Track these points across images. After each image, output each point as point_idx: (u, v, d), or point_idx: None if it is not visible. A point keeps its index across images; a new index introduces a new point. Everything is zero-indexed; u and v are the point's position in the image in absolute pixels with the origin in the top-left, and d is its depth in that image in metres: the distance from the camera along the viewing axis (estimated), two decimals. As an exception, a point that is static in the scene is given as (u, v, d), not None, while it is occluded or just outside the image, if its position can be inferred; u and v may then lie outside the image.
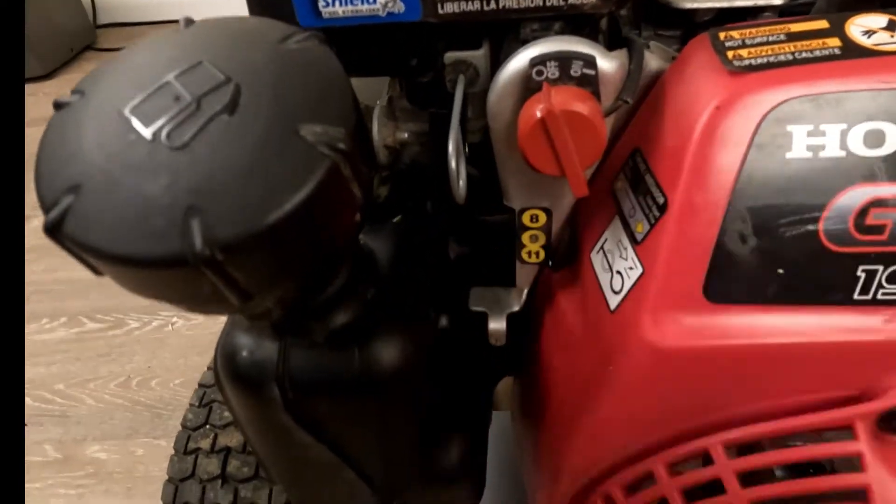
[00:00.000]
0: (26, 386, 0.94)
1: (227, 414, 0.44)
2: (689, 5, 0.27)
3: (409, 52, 0.26)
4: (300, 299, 0.23)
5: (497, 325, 0.32)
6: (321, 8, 0.24)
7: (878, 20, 0.24)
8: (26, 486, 0.80)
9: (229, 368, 0.26)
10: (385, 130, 0.30)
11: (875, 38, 0.23)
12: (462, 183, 0.23)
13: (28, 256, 1.20)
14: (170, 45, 0.20)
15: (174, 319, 1.03)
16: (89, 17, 2.27)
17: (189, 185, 0.16)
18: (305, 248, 0.18)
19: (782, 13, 0.28)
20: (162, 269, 0.17)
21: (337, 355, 0.25)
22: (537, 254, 0.31)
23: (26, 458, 0.83)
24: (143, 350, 0.98)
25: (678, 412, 0.26)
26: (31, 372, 0.96)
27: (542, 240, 0.30)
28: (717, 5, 0.27)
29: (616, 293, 0.26)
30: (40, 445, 0.85)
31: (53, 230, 0.17)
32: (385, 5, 0.23)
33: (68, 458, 0.83)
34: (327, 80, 0.18)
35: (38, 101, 1.82)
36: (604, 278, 0.27)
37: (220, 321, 0.86)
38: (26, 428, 0.87)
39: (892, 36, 0.23)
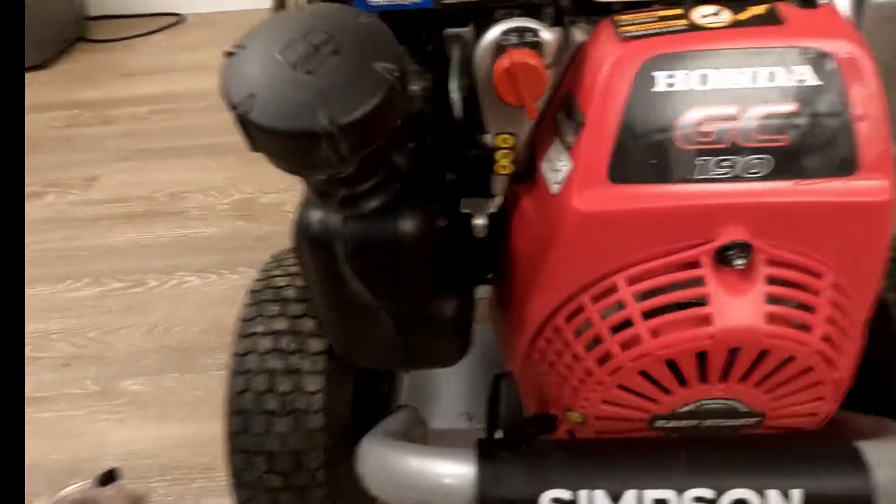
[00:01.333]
0: (59, 334, 1.05)
1: (273, 307, 0.57)
2: (602, -1, 0.42)
3: (423, 27, 0.40)
4: (361, 180, 0.37)
5: (480, 220, 0.47)
6: (368, 1, 0.38)
7: (710, 9, 0.39)
8: (71, 413, 0.92)
9: (306, 234, 0.40)
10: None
11: (706, 20, 0.38)
12: (459, 107, 0.38)
13: (44, 227, 1.32)
14: (295, 17, 0.34)
15: (189, 278, 1.15)
16: (81, 10, 2.34)
17: (318, 92, 0.30)
18: (378, 133, 0.31)
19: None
20: (301, 139, 0.31)
21: (379, 223, 0.39)
22: (507, 167, 0.45)
23: (67, 391, 0.95)
24: (164, 304, 1.10)
25: (598, 258, 0.41)
26: (62, 323, 1.07)
27: (511, 156, 0.44)
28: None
29: (556, 183, 0.41)
30: (81, 381, 0.97)
31: (242, 117, 0.31)
32: (411, -3, 0.38)
33: (106, 390, 0.95)
34: (385, 38, 0.32)
35: (34, 91, 1.90)
36: (549, 176, 0.42)
37: (229, 284, 1.01)
38: (66, 368, 0.99)
39: (716, 17, 0.38)
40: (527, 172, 0.46)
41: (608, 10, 0.43)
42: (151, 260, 1.20)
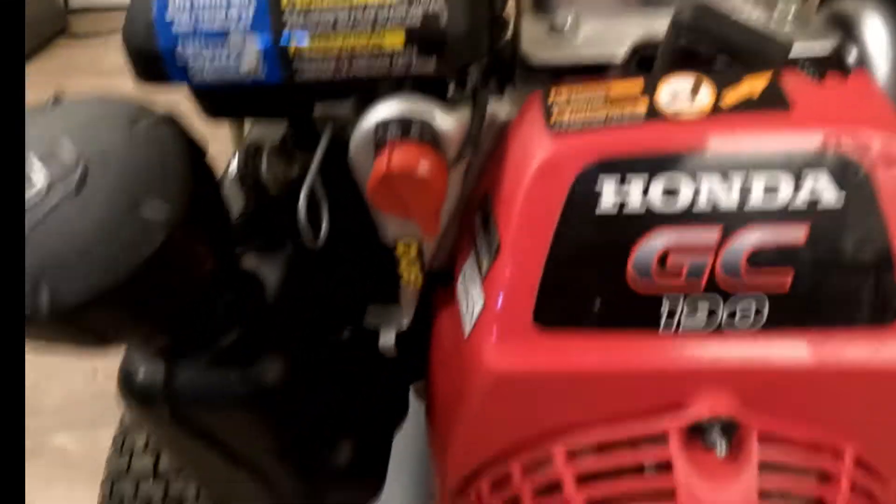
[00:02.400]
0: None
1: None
2: (539, 62, 0.30)
3: (279, 105, 0.29)
4: (170, 336, 0.26)
5: (386, 340, 0.36)
6: (191, 72, 0.26)
7: (685, 83, 0.27)
8: None
9: (126, 387, 0.29)
10: (275, 167, 0.33)
11: (676, 104, 0.26)
12: (323, 229, 0.27)
13: None
14: (37, 125, 0.23)
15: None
16: (60, 2, 2.24)
17: (38, 260, 0.19)
18: (152, 303, 0.21)
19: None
20: (29, 326, 0.20)
21: (221, 373, 0.29)
22: (416, 279, 0.34)
23: None
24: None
25: (523, 422, 0.30)
26: None
27: (418, 265, 0.33)
28: (564, 63, 0.30)
29: (469, 319, 0.30)
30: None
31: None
32: (248, 73, 0.26)
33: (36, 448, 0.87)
34: (169, 160, 0.21)
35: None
36: (463, 305, 0.31)
37: None
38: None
39: (692, 100, 0.26)
40: (449, 273, 0.35)
41: (551, 75, 0.31)
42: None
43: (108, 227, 0.19)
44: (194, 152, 0.22)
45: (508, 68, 0.31)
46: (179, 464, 0.33)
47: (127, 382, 0.30)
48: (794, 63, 0.27)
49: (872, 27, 0.31)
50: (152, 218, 0.20)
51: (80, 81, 1.85)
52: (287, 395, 0.30)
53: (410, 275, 0.33)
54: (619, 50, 0.31)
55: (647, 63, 0.31)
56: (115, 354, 0.94)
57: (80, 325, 0.20)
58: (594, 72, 0.30)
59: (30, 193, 0.20)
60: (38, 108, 0.24)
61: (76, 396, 0.93)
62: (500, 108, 0.29)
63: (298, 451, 0.32)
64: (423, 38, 0.25)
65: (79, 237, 0.19)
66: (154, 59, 0.26)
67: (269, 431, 0.31)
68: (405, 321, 0.36)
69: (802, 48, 0.30)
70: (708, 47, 0.27)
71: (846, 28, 0.32)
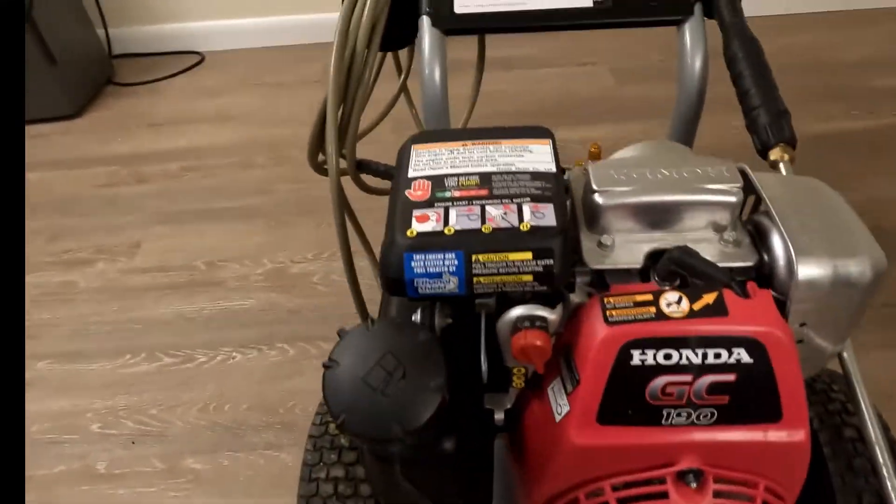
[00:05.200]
0: (125, 411, 1.20)
1: (331, 455, 0.71)
2: (594, 268, 0.55)
3: (459, 302, 0.53)
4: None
5: (499, 416, 0.61)
6: (420, 291, 0.51)
7: (674, 296, 0.52)
8: (143, 490, 1.08)
9: (371, 451, 0.54)
10: (441, 319, 0.57)
11: (670, 309, 0.51)
12: (485, 373, 0.51)
13: (100, 297, 1.46)
14: (370, 339, 0.47)
15: (234, 354, 1.29)
16: (105, 49, 2.45)
17: (390, 408, 0.43)
18: (434, 426, 0.45)
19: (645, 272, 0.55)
20: (381, 442, 0.44)
21: (429, 447, 0.53)
22: (520, 384, 0.59)
23: (138, 469, 1.10)
24: (213, 381, 1.25)
25: (587, 471, 0.55)
26: (127, 400, 1.22)
27: (522, 377, 0.58)
28: (608, 268, 0.54)
29: (559, 414, 0.55)
30: (148, 459, 1.12)
31: (341, 426, 0.44)
32: (449, 291, 0.50)
33: (171, 468, 1.11)
34: (436, 357, 0.46)
35: (74, 142, 2.03)
36: (553, 404, 0.56)
37: (268, 361, 1.19)
38: (134, 445, 1.14)
39: (678, 306, 0.51)
40: (536, 384, 0.60)
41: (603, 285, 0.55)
42: (197, 334, 1.35)
43: (421, 391, 0.43)
44: (440, 349, 0.47)
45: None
46: (378, 490, 0.57)
47: (374, 450, 0.54)
48: (733, 280, 0.52)
49: (776, 240, 0.56)
50: (435, 389, 0.44)
51: (132, 136, 2.06)
52: (457, 454, 0.55)
53: (519, 382, 0.58)
54: (639, 257, 0.55)
55: (655, 258, 0.56)
56: (218, 389, 1.17)
57: (406, 440, 0.44)
58: (625, 273, 0.55)
59: (381, 377, 0.44)
60: (362, 331, 0.49)
61: (195, 426, 1.17)
62: (574, 298, 0.54)
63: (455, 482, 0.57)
64: (542, 276, 0.50)
65: (410, 397, 0.43)
66: (401, 284, 0.51)
67: (441, 476, 0.55)
68: (508, 405, 0.61)
69: (738, 262, 0.55)
70: (686, 272, 0.52)
71: (759, 236, 0.57)
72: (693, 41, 0.92)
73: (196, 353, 1.30)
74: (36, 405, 1.23)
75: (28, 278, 1.53)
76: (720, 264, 0.54)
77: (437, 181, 0.56)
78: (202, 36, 2.54)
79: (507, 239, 0.50)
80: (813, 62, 2.14)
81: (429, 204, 0.54)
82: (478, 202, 0.54)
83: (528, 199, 0.54)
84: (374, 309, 0.96)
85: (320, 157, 0.92)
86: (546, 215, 0.52)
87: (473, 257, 0.50)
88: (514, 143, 0.61)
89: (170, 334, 1.35)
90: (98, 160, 1.93)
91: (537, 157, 0.59)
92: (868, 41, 2.24)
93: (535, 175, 0.56)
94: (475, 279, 0.50)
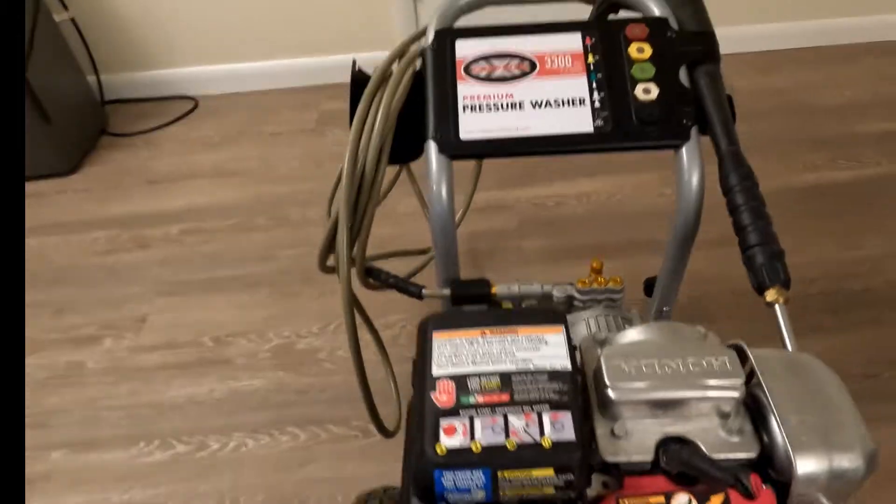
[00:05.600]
0: (144, 506, 1.24)
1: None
2: (608, 461, 0.59)
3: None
4: None
5: None
6: (449, 502, 0.55)
7: (684, 499, 0.56)
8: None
9: None
10: None
11: (683, 517, 0.55)
12: None
13: (108, 379, 1.48)
14: None
15: (246, 441, 1.33)
16: (97, 96, 2.44)
17: None
18: None
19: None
20: None
21: None
22: None
23: (159, 568, 1.14)
24: (228, 470, 1.28)
25: None
26: (143, 493, 1.25)
27: None
28: (622, 461, 0.59)
29: None
30: (169, 558, 1.16)
31: None
32: (478, 499, 0.54)
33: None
34: None
35: (70, 203, 2.03)
36: None
37: (281, 447, 1.21)
38: (153, 543, 1.18)
39: (690, 512, 0.55)
40: None
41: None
42: (209, 418, 1.38)
43: None
44: None
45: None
46: None
47: None
48: (738, 479, 0.57)
49: (775, 434, 0.60)
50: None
51: (130, 195, 2.06)
52: None
53: None
54: (650, 450, 0.60)
55: (665, 443, 0.60)
56: (233, 481, 1.19)
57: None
58: (636, 466, 0.59)
59: None
60: None
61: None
62: (590, 491, 0.58)
63: None
64: (563, 487, 0.54)
65: None
66: (431, 494, 0.54)
67: None
68: None
69: (742, 454, 0.59)
70: (693, 473, 0.57)
71: (759, 418, 0.61)
72: (690, 162, 0.96)
73: (209, 440, 1.33)
74: (54, 501, 1.25)
75: (34, 359, 1.54)
76: (725, 455, 0.58)
77: (461, 383, 0.60)
78: (194, 80, 2.54)
79: (531, 457, 0.54)
80: (794, 105, 2.19)
81: (454, 412, 0.58)
82: (500, 410, 0.58)
83: (547, 405, 0.58)
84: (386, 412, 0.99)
85: (330, 261, 0.96)
86: (565, 426, 0.56)
87: (500, 474, 0.54)
88: (529, 331, 0.65)
89: (182, 419, 1.38)
90: (96, 223, 1.94)
91: (553, 350, 0.63)
92: (847, 81, 2.30)
93: (552, 375, 0.60)
94: (501, 491, 0.54)
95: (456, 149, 0.96)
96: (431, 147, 0.97)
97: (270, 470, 1.27)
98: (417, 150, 1.03)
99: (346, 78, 0.96)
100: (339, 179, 0.88)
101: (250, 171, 2.10)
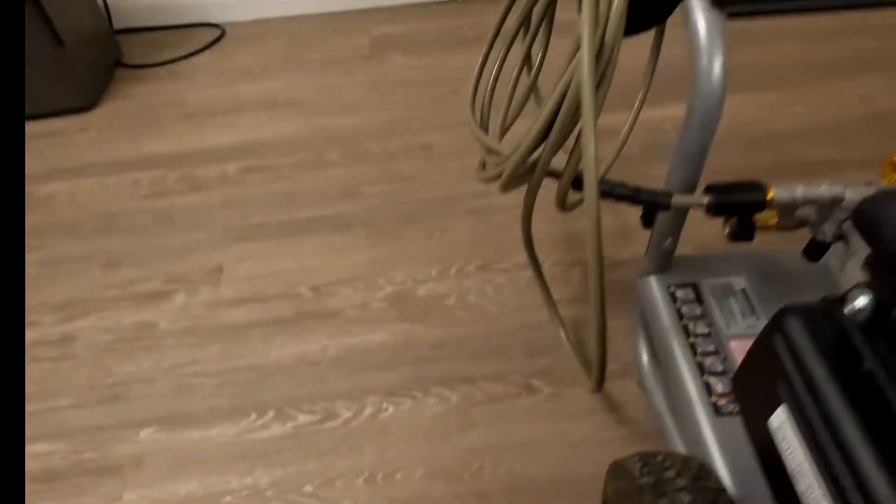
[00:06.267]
0: (272, 490, 0.99)
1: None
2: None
3: None
4: None
5: None
6: None
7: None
8: None
9: None
10: None
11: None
12: None
13: (189, 340, 1.21)
14: None
15: (385, 405, 1.09)
16: (107, 24, 2.09)
17: None
18: None
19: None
20: None
21: None
22: None
23: (310, 566, 0.90)
24: (369, 443, 1.04)
25: None
26: (270, 474, 1.01)
27: None
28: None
29: None
30: (322, 553, 0.92)
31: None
32: None
33: (354, 562, 0.91)
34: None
35: (97, 140, 1.72)
36: None
37: (430, 411, 0.92)
38: (298, 536, 0.94)
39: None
40: None
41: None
42: (330, 381, 1.13)
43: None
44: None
45: None
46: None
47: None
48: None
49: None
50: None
51: (168, 131, 1.76)
52: None
53: None
54: None
55: None
56: (380, 454, 0.94)
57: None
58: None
59: None
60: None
61: None
62: None
63: None
64: None
65: None
66: None
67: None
68: None
69: None
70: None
71: None
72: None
73: (336, 407, 1.09)
74: (157, 490, 1.00)
75: (90, 321, 1.26)
76: None
77: None
78: (216, 5, 2.20)
79: None
80: (746, 135, 1.66)
81: None
82: None
83: None
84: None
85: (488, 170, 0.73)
86: None
87: None
88: None
89: (295, 384, 1.12)
90: (134, 163, 1.64)
91: None
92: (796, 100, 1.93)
93: None
94: None
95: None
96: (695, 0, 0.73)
97: (422, 439, 1.04)
98: (667, 7, 0.78)
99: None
100: (478, 80, 0.80)
101: (307, 102, 1.81)
